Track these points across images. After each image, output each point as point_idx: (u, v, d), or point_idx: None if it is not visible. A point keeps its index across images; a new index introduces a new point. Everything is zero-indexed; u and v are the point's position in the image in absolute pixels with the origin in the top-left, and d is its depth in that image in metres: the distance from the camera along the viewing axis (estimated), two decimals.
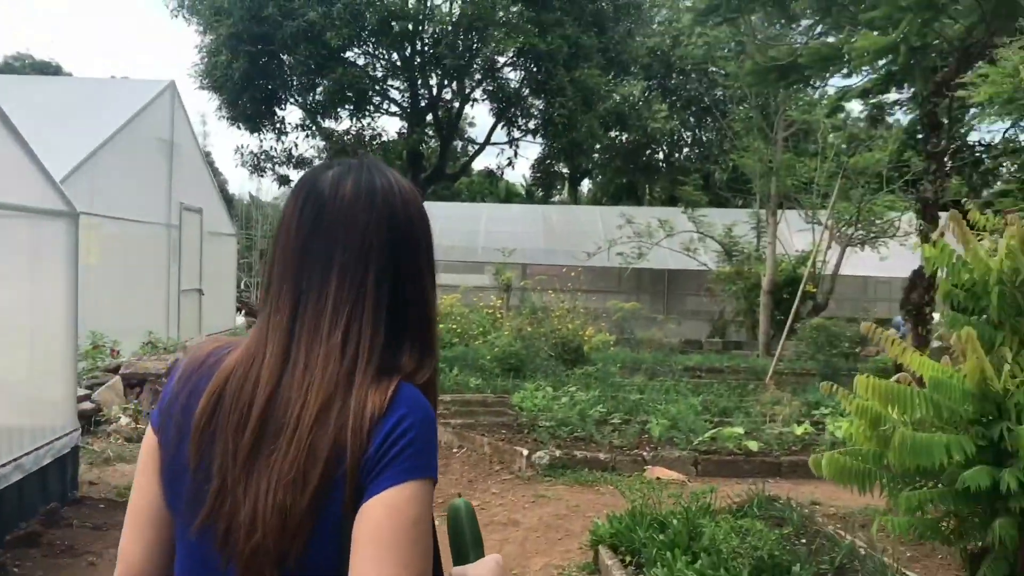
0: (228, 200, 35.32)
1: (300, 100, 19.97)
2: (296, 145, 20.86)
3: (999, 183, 29.04)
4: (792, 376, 13.19)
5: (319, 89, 18.81)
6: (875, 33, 9.33)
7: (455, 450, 7.78)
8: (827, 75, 11.38)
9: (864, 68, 10.35)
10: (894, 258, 18.79)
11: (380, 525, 1.06)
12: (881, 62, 9.96)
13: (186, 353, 1.29)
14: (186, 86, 74.26)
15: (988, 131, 29.55)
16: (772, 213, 17.30)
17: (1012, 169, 27.61)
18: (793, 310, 13.20)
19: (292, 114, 27.01)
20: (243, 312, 22.01)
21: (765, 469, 7.00)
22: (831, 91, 21.62)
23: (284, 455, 1.09)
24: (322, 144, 20.13)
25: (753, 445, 7.02)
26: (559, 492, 6.49)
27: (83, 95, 11.68)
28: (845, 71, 11.16)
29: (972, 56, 9.74)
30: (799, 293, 13.64)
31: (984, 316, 3.14)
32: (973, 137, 27.49)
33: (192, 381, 1.21)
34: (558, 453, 6.94)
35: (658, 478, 6.71)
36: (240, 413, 1.13)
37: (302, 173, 1.44)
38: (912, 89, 13.44)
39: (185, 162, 12.66)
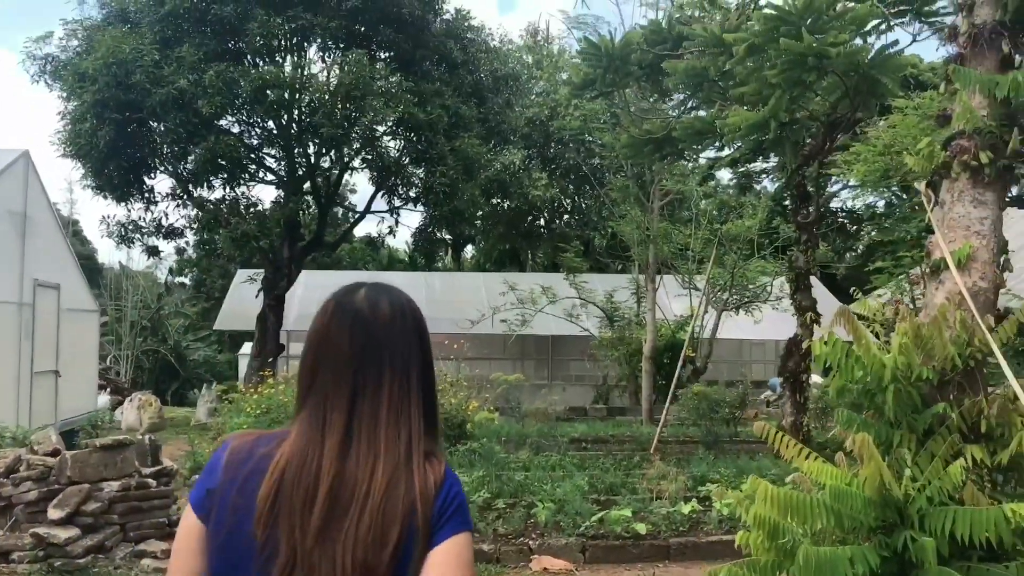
0: (97, 270, 33.74)
1: (170, 169, 19.19)
2: (166, 215, 19.98)
3: (860, 246, 30.63)
4: (676, 445, 13.20)
5: (191, 158, 18.11)
6: (745, 108, 9.57)
7: None
8: (700, 148, 11.60)
9: (736, 144, 10.59)
10: (767, 321, 19.35)
11: (449, 562, 1.40)
12: (752, 137, 10.21)
13: (230, 447, 1.49)
14: (47, 154, 71.35)
15: (849, 197, 31.09)
16: (651, 279, 17.53)
17: (872, 233, 29.15)
18: (676, 376, 13.26)
19: (162, 183, 26.00)
20: (107, 390, 20.70)
21: (654, 552, 6.81)
22: (703, 162, 22.44)
23: (358, 522, 1.37)
24: (193, 213, 19.34)
25: (641, 528, 6.82)
26: None
27: None
28: (717, 144, 11.41)
29: (837, 129, 10.10)
30: (681, 358, 13.73)
31: (879, 414, 3.03)
32: (835, 204, 28.97)
33: (245, 469, 1.43)
34: None
35: (545, 569, 6.42)
36: (305, 492, 1.38)
37: (332, 294, 1.60)
38: (779, 158, 13.91)
39: (40, 235, 11.83)
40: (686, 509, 7.31)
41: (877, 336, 3.13)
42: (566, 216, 31.86)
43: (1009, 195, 3.11)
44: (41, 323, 11.72)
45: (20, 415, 10.96)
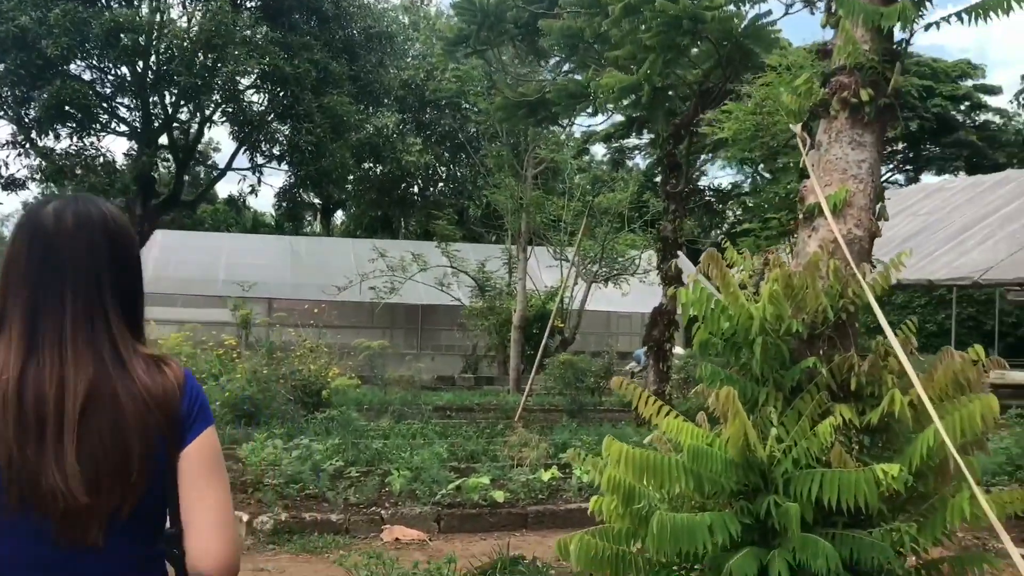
0: None
1: (11, 114, 17.71)
2: (6, 164, 18.45)
3: (725, 225, 31.43)
4: (541, 413, 13.06)
5: (34, 103, 16.72)
6: (620, 72, 9.38)
7: None
8: (574, 112, 11.39)
9: (609, 107, 10.41)
10: (635, 294, 19.51)
11: (205, 458, 1.48)
12: (625, 102, 10.05)
13: None
14: None
15: (716, 177, 31.85)
16: (522, 249, 17.34)
17: (738, 212, 29.97)
18: (542, 345, 13.10)
19: (2, 130, 24.15)
20: None
21: (511, 521, 6.53)
22: (578, 132, 22.38)
23: (94, 431, 1.37)
24: (36, 163, 17.91)
25: (499, 495, 6.53)
26: (282, 564, 5.64)
27: None
28: (591, 109, 11.22)
29: (709, 99, 10.04)
30: (548, 328, 13.57)
31: (744, 369, 2.80)
32: (703, 182, 29.57)
33: None
34: (284, 516, 6.05)
35: (397, 539, 6.06)
36: (23, 405, 1.37)
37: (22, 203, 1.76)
38: (651, 136, 13.87)
39: None
40: (546, 476, 7.06)
41: (744, 288, 2.90)
42: (440, 184, 31.32)
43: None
44: None
45: None
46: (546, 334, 13.35)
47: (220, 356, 13.24)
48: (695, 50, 9.64)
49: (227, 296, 21.31)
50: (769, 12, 9.31)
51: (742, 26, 9.25)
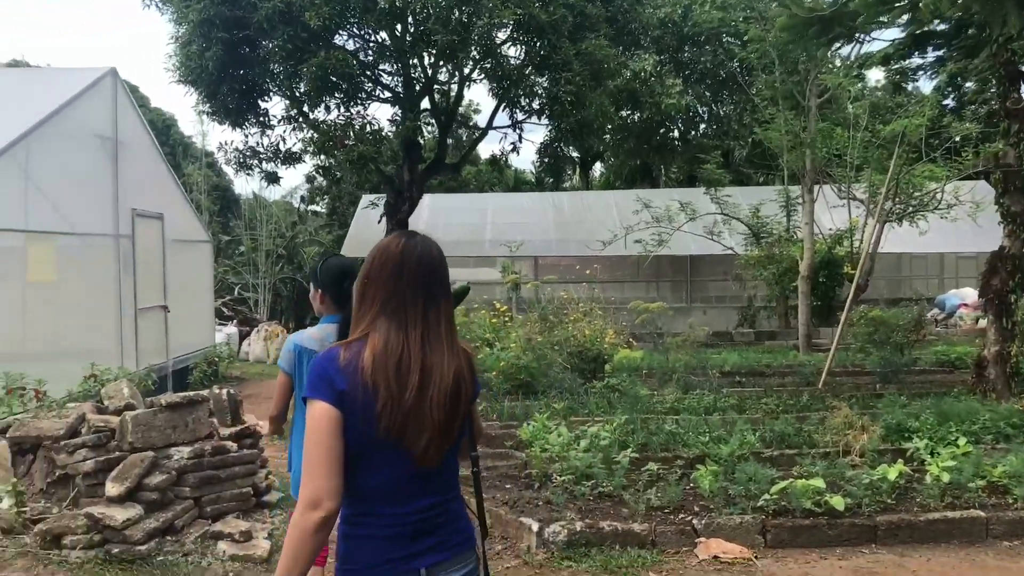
0: (234, 200, 33.73)
1: (284, 90, 18.30)
2: (283, 139, 19.17)
3: None
4: (845, 377, 11.43)
5: (302, 78, 17.07)
6: None
7: None
8: (886, 21, 9.54)
9: (931, 8, 8.52)
10: (931, 232, 17.13)
11: (475, 410, 2.29)
12: None
13: (340, 358, 2.05)
14: (161, 80, 72.69)
15: None
16: (808, 189, 15.50)
17: None
18: (849, 300, 11.39)
19: (277, 106, 25.34)
20: (234, 322, 20.29)
21: (855, 534, 5.23)
22: (875, 48, 19.73)
23: (439, 389, 2.03)
24: (310, 136, 18.39)
25: (838, 502, 5.26)
26: None
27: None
28: (905, 18, 9.34)
29: None
30: (856, 280, 11.82)
31: None
32: None
33: (351, 369, 2.00)
34: (579, 525, 5.18)
35: (715, 557, 4.99)
36: (397, 365, 2.01)
37: (393, 236, 2.21)
38: (953, 51, 11.52)
39: (136, 162, 10.88)
40: (892, 474, 5.67)
41: None
42: (703, 126, 29.50)
43: None
44: (143, 256, 10.89)
45: (125, 355, 10.23)
46: (854, 286, 11.61)
47: (493, 323, 12.80)
48: None
49: (494, 256, 21.24)
50: None
51: None
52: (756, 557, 5.04)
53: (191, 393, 5.71)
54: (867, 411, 8.01)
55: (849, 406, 7.94)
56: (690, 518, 5.35)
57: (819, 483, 5.38)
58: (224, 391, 5.97)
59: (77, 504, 5.17)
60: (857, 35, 10.82)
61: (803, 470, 5.93)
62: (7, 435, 5.56)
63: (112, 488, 4.94)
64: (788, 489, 5.42)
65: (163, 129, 33.16)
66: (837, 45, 12.84)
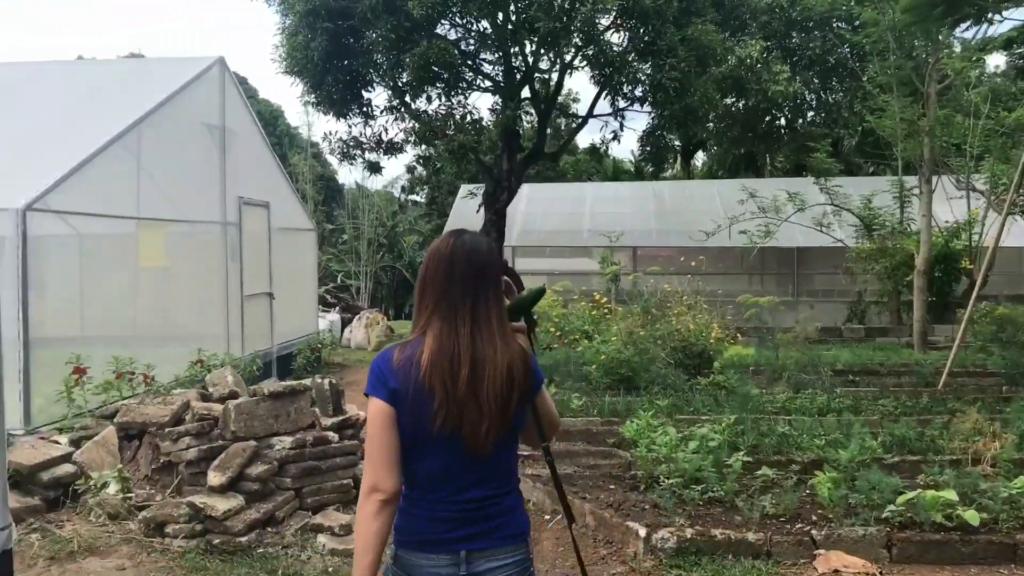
0: (338, 190, 34.40)
1: (387, 81, 18.41)
2: (386, 129, 19.33)
3: None
4: (967, 377, 10.77)
5: (405, 68, 17.12)
6: None
7: (547, 517, 5.86)
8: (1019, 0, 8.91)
9: None
10: None
11: (544, 395, 2.37)
12: None
13: (393, 360, 2.19)
14: (269, 72, 74.23)
15: None
16: (927, 180, 14.70)
17: None
18: (972, 297, 10.72)
19: (380, 96, 25.59)
20: (337, 309, 20.61)
21: (991, 552, 4.82)
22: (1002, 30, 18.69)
23: (493, 380, 2.11)
24: (411, 126, 18.48)
25: (973, 517, 4.88)
26: None
27: (113, 78, 10.26)
28: None
29: None
30: (979, 277, 11.13)
31: None
32: None
33: (404, 369, 2.13)
34: (689, 533, 4.94)
35: (836, 571, 4.67)
36: (451, 360, 2.11)
37: (445, 236, 2.30)
38: None
39: (243, 151, 11.06)
40: None
41: None
42: (811, 114, 28.46)
43: None
44: (250, 244, 11.08)
45: (231, 341, 10.42)
46: (979, 282, 10.92)
47: (592, 315, 12.57)
48: None
49: (592, 247, 20.96)
50: None
51: None
52: (880, 573, 4.70)
53: (293, 382, 5.69)
54: (995, 416, 7.48)
55: (964, 405, 7.44)
56: (808, 528, 5.04)
57: (950, 495, 4.99)
58: (326, 380, 5.93)
59: (180, 492, 5.20)
60: (985, 15, 10.14)
61: (929, 479, 5.54)
62: (115, 420, 5.64)
63: (214, 477, 4.94)
64: (916, 500, 5.04)
65: (270, 120, 33.96)
66: (963, 27, 12.07)
